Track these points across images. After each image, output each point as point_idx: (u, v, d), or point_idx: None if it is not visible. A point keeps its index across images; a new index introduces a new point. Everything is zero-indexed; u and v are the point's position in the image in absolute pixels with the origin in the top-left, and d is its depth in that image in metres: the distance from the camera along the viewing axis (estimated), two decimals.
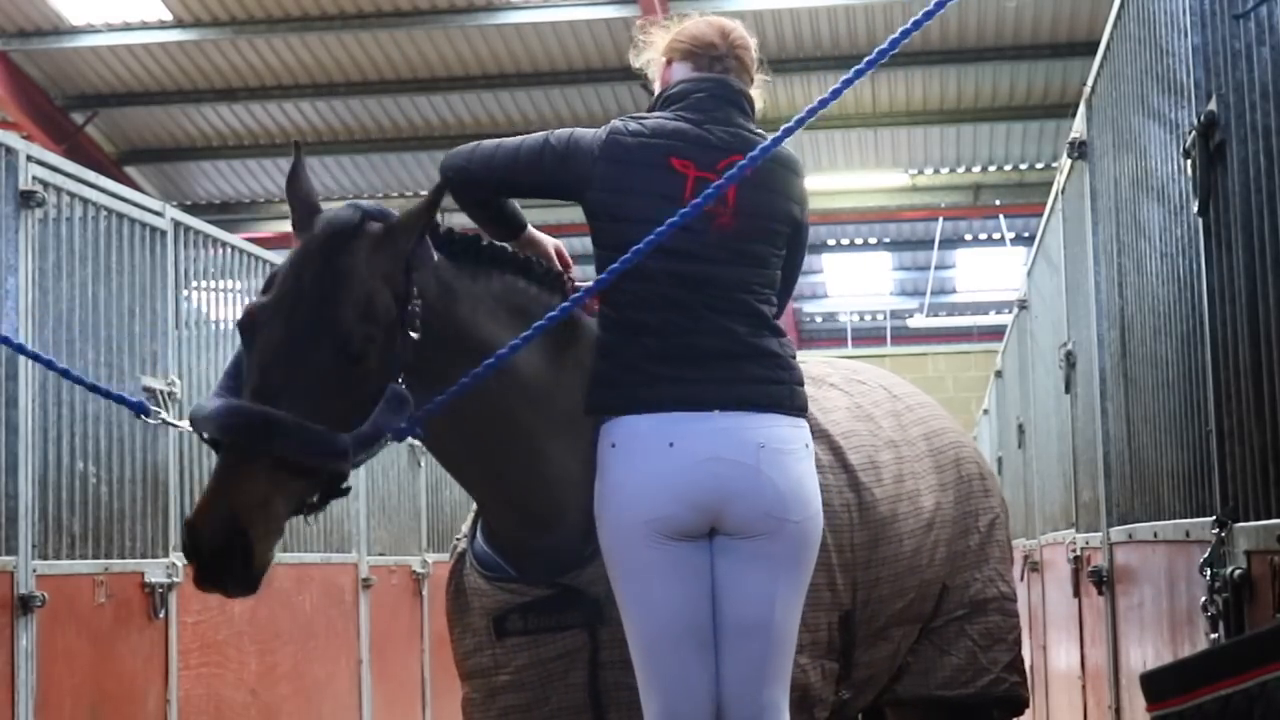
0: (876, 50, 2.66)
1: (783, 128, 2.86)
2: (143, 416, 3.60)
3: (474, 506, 3.69)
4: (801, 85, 16.27)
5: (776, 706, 3.32)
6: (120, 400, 3.71)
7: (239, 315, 3.15)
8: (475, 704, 3.56)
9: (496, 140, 3.44)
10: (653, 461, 3.20)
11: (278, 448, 2.92)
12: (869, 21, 14.94)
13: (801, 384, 3.38)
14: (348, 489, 3.13)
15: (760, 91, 3.55)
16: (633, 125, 3.38)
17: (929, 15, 2.57)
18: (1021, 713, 4.38)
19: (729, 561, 3.28)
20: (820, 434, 3.72)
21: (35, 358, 4.01)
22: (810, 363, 3.94)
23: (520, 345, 3.11)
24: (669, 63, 3.53)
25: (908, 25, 2.62)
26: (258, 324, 3.05)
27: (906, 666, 4.08)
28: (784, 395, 3.31)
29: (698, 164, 3.30)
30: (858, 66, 2.67)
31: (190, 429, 3.14)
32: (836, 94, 2.76)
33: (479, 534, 3.57)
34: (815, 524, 3.34)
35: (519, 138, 3.43)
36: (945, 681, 4.11)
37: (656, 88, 3.57)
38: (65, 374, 3.87)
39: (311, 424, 2.93)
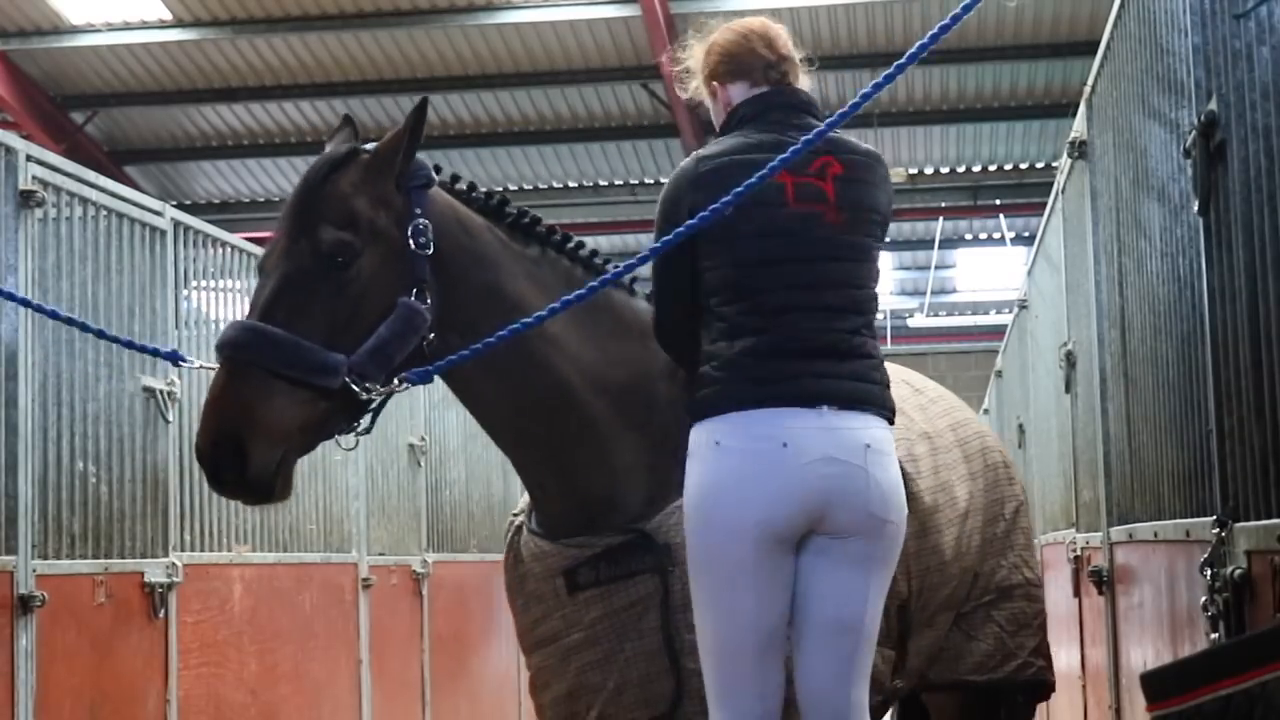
0: (930, 35, 2.64)
1: (838, 112, 2.84)
2: (179, 364, 3.87)
3: (524, 495, 3.74)
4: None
5: (863, 705, 3.34)
6: (155, 353, 4.08)
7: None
8: (550, 670, 3.57)
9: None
10: (766, 462, 3.17)
11: (265, 359, 3.12)
12: (869, 21, 14.93)
13: (889, 386, 3.41)
14: (373, 409, 3.30)
15: (810, 81, 3.57)
16: (713, 150, 3.39)
17: (967, 8, 2.56)
18: (1047, 696, 4.46)
19: (824, 561, 3.26)
20: None
21: (54, 315, 4.23)
22: None
23: (563, 308, 3.21)
24: (721, 85, 3.52)
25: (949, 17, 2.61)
26: (265, 258, 3.32)
27: (938, 652, 4.11)
28: (883, 396, 3.34)
29: (793, 170, 3.28)
30: (914, 49, 2.65)
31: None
32: (890, 78, 2.82)
33: (533, 516, 3.64)
34: (904, 525, 3.36)
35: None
36: (975, 666, 4.16)
37: (715, 114, 3.56)
38: (84, 328, 4.21)
39: (303, 340, 3.14)
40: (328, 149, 3.46)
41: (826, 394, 3.22)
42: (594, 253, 3.70)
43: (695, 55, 3.60)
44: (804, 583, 3.28)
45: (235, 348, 3.15)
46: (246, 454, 3.10)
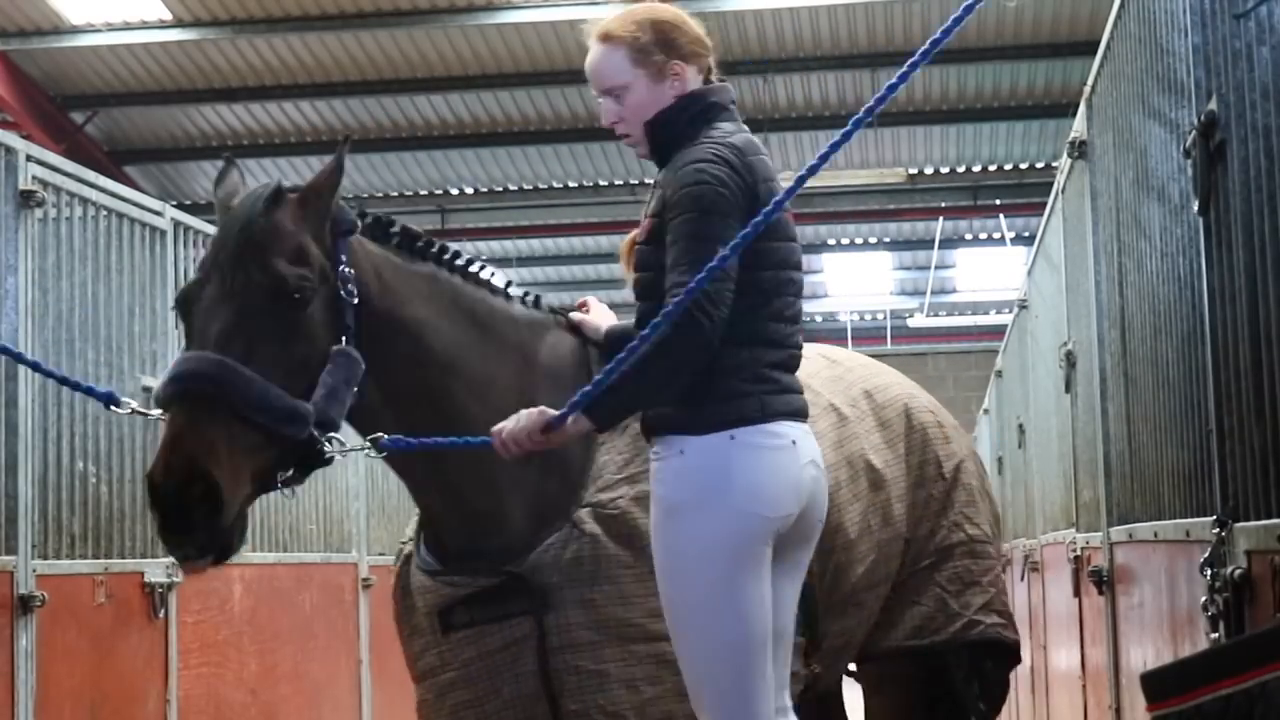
0: (930, 41, 2.58)
1: (852, 119, 2.75)
2: (112, 408, 3.48)
3: (416, 514, 3.70)
4: (801, 85, 16.27)
5: (790, 709, 3.35)
6: (89, 392, 3.61)
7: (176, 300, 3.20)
8: (429, 705, 3.54)
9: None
10: (782, 458, 3.17)
11: (234, 398, 2.92)
12: (869, 21, 14.93)
13: None
14: (328, 460, 3.15)
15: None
16: (738, 140, 3.25)
17: (958, 20, 2.53)
18: (1015, 658, 4.30)
19: (777, 570, 3.25)
20: None
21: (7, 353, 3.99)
22: None
23: (642, 343, 2.94)
24: (685, 66, 3.34)
25: (951, 20, 2.58)
26: (192, 298, 3.11)
27: (873, 628, 4.07)
28: None
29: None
30: (913, 59, 2.61)
31: (159, 413, 3.12)
32: (881, 101, 2.73)
33: (423, 541, 3.58)
34: None
35: (681, 247, 3.13)
36: (913, 631, 4.09)
37: (652, 91, 3.31)
38: (35, 367, 3.98)
39: (270, 383, 2.96)
40: (225, 191, 3.31)
41: (806, 409, 3.30)
42: (473, 261, 3.58)
43: (642, 24, 3.34)
44: None
45: (202, 380, 2.94)
46: (221, 499, 2.88)
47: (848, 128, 2.74)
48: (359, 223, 3.33)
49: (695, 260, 3.02)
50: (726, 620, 3.14)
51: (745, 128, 3.34)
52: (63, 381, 3.81)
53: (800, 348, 3.32)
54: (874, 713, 4.39)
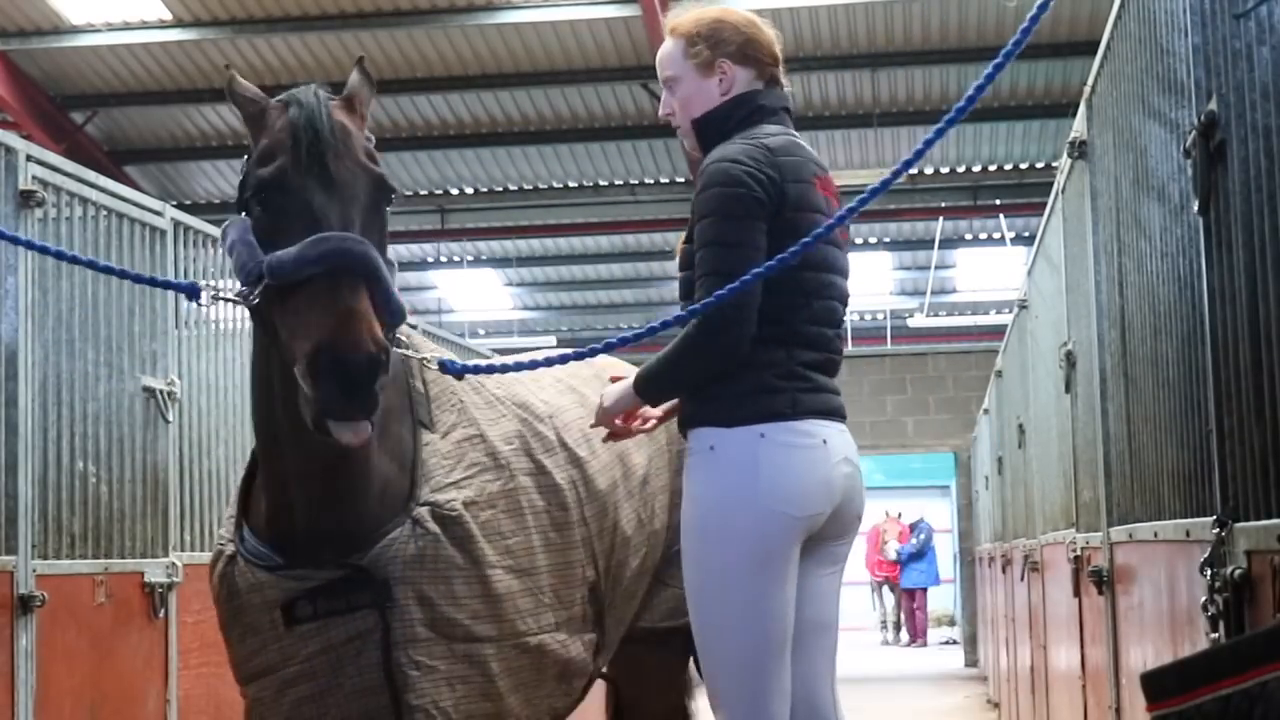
0: (974, 86, 2.66)
1: (915, 149, 2.90)
2: (195, 300, 3.52)
3: (230, 511, 3.67)
4: (801, 85, 16.27)
5: (839, 699, 3.47)
6: (175, 287, 3.69)
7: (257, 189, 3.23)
8: (263, 704, 3.51)
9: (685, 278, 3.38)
10: (814, 457, 3.25)
11: (380, 287, 3.02)
12: (869, 21, 14.93)
13: None
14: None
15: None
16: (774, 142, 3.32)
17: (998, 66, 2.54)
18: None
19: (811, 563, 3.36)
20: (540, 417, 3.87)
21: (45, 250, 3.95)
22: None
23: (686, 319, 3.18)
24: (733, 65, 3.43)
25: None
26: (288, 182, 3.13)
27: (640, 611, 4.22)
28: None
29: (823, 182, 3.41)
30: (958, 105, 2.64)
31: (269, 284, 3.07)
32: (940, 133, 2.86)
33: (248, 534, 3.53)
34: None
35: (708, 253, 3.23)
36: (667, 613, 4.22)
37: (699, 89, 3.42)
38: (91, 265, 4.01)
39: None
40: (296, 95, 3.41)
41: (840, 409, 3.41)
42: None
43: (703, 22, 3.49)
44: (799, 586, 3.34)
45: (366, 262, 3.00)
46: (386, 372, 2.96)
47: (919, 146, 2.85)
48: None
49: (717, 271, 3.15)
50: (746, 619, 3.20)
51: (793, 133, 3.40)
52: (151, 282, 4.22)
53: (840, 354, 3.43)
54: (632, 690, 4.55)
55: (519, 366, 3.56)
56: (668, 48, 3.51)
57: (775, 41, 3.53)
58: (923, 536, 23.77)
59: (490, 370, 3.53)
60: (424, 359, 3.46)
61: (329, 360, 2.87)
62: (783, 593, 3.19)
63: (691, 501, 3.29)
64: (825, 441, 3.24)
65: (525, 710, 3.63)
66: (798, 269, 3.19)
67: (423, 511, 3.45)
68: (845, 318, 3.47)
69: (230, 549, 3.57)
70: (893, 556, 24.01)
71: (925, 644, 23.42)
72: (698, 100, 3.44)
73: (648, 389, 3.39)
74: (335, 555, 3.38)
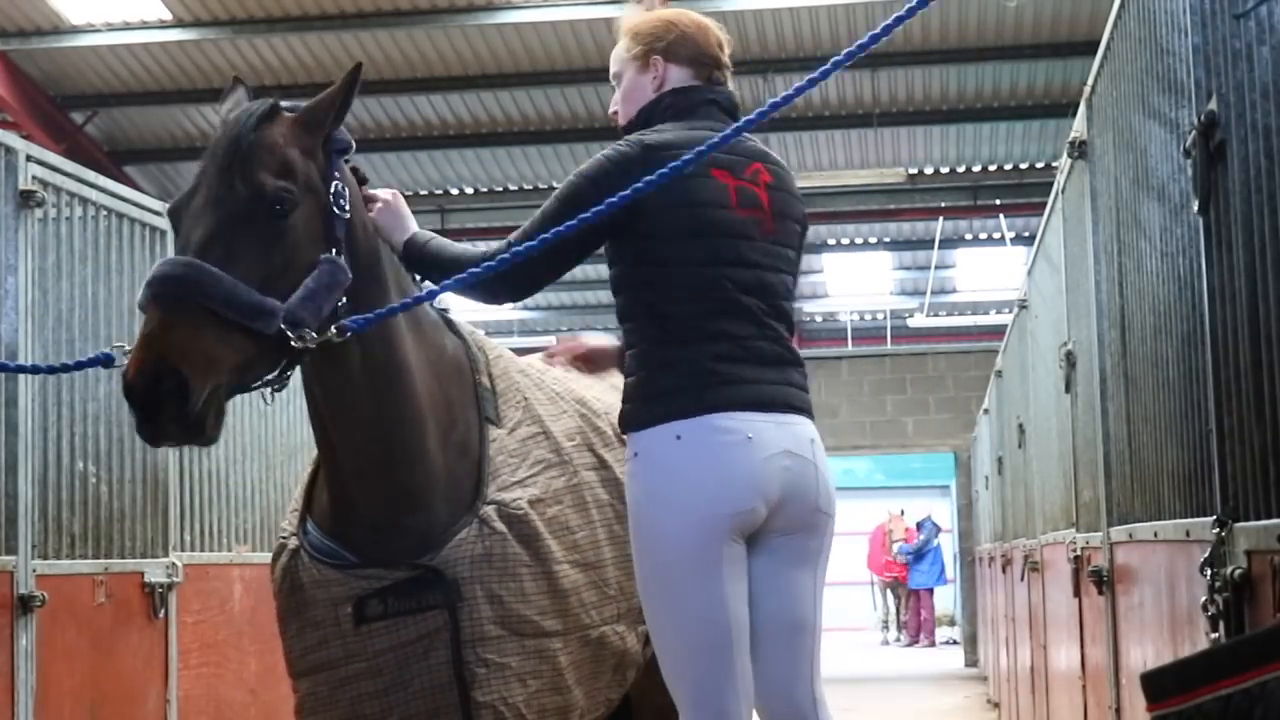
0: (847, 51, 2.68)
1: (757, 111, 2.90)
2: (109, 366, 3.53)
3: (294, 505, 3.71)
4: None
5: (824, 699, 3.40)
6: (89, 364, 3.62)
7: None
8: (318, 699, 3.56)
9: (518, 229, 3.43)
10: (733, 454, 3.21)
11: (203, 296, 3.00)
12: (869, 21, 14.91)
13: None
14: (301, 355, 3.21)
15: (732, 86, 3.65)
16: (658, 138, 3.37)
17: (900, 20, 2.56)
18: None
19: (774, 561, 3.33)
20: (598, 413, 3.97)
21: None
22: (507, 364, 3.99)
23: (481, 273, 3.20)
24: (664, 62, 3.52)
25: (880, 26, 2.62)
26: (180, 208, 3.21)
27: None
28: (811, 402, 3.47)
29: (733, 173, 3.38)
30: (834, 60, 2.67)
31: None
32: (800, 91, 2.85)
33: (312, 529, 3.58)
34: (834, 518, 3.46)
35: (539, 212, 3.38)
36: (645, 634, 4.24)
37: (634, 85, 3.56)
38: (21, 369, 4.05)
39: (240, 282, 3.04)
40: (227, 107, 3.47)
41: (779, 400, 3.33)
42: None
43: (641, 20, 3.60)
44: (757, 584, 3.33)
45: (173, 282, 3.02)
46: (188, 391, 2.95)
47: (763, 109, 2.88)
48: (352, 144, 3.46)
49: (527, 230, 3.31)
50: (685, 620, 3.22)
51: (712, 129, 3.33)
52: (57, 370, 3.96)
53: (780, 342, 3.37)
54: (639, 683, 4.50)
55: (405, 306, 3.44)
56: (616, 46, 3.65)
57: (721, 44, 3.56)
58: (923, 536, 23.66)
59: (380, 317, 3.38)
60: (331, 333, 3.28)
61: (122, 387, 3.00)
62: (719, 591, 3.19)
63: (627, 506, 3.34)
64: (750, 437, 3.22)
65: (586, 702, 3.70)
66: (697, 265, 3.27)
67: (489, 511, 3.52)
68: (789, 308, 3.43)
69: (293, 543, 3.61)
70: (901, 559, 23.88)
71: (934, 644, 23.33)
72: (634, 95, 3.57)
73: (411, 260, 3.50)
74: (406, 555, 3.44)
